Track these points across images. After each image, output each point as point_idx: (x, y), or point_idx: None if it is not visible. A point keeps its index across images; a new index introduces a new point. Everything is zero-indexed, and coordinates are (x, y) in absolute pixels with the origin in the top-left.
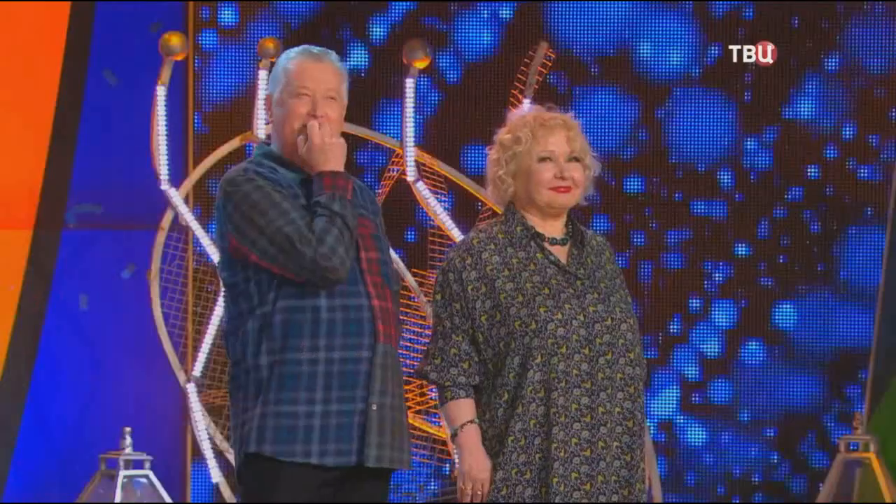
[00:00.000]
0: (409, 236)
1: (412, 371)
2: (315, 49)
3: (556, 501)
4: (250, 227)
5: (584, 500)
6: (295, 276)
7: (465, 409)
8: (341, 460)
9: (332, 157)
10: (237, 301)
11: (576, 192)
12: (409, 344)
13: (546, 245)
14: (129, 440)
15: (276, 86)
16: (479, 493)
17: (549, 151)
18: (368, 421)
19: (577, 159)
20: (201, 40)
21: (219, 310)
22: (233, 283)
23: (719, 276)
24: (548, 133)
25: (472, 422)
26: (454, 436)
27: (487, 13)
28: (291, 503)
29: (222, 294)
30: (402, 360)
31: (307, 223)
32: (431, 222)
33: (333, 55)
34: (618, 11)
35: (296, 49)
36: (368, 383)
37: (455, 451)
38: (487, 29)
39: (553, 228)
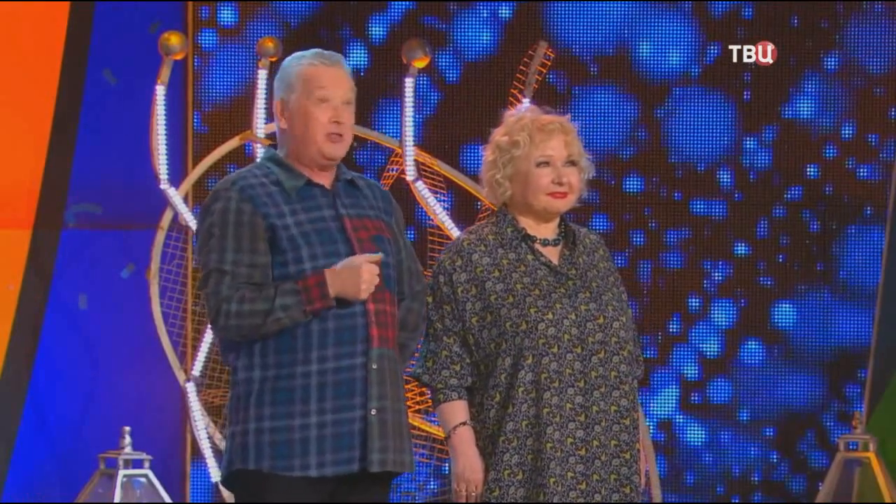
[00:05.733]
0: (408, 236)
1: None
2: (325, 53)
3: (553, 501)
4: (200, 247)
5: (580, 500)
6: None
7: (457, 410)
8: (341, 469)
9: (348, 288)
10: None
11: (571, 198)
12: None
13: (537, 246)
14: (128, 439)
15: (289, 91)
16: (473, 493)
17: (548, 156)
18: (369, 426)
19: (573, 163)
20: (201, 40)
21: None
22: None
23: (718, 276)
24: (546, 137)
25: (464, 423)
26: (448, 438)
27: (487, 13)
28: None
29: None
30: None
31: (235, 272)
32: (431, 222)
33: (343, 59)
34: (617, 11)
35: (306, 53)
36: (365, 389)
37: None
38: (487, 28)
39: (546, 230)
